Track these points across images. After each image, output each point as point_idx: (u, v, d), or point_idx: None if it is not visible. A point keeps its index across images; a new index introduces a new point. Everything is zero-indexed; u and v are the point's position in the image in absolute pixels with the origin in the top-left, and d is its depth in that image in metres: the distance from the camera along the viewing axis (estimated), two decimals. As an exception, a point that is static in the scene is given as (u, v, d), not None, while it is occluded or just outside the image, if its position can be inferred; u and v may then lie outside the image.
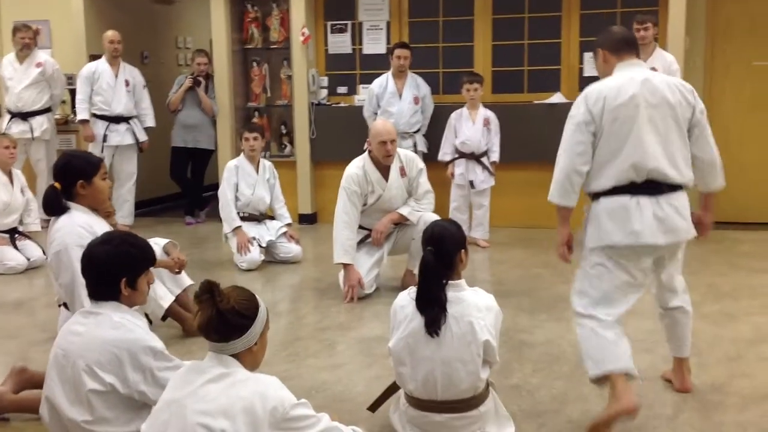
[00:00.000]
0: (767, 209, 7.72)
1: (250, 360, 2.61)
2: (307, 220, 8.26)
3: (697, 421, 3.50)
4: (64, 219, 3.89)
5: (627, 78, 3.50)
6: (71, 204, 3.92)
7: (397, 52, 7.53)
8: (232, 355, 2.56)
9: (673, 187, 3.47)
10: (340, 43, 8.42)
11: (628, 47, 3.63)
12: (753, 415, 3.55)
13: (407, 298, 3.34)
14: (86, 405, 2.76)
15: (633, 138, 3.42)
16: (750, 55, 7.70)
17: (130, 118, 8.18)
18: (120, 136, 8.12)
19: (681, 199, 3.49)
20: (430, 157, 7.23)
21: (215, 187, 8.80)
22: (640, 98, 3.43)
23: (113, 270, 2.85)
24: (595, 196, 3.54)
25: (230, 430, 2.41)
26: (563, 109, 7.32)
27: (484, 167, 7.11)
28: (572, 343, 4.49)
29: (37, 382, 3.76)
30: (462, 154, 7.14)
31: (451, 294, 3.24)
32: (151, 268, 3.06)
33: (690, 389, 3.82)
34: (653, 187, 3.44)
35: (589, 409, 3.64)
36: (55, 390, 2.82)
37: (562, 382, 3.99)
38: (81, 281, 3.65)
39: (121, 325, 2.80)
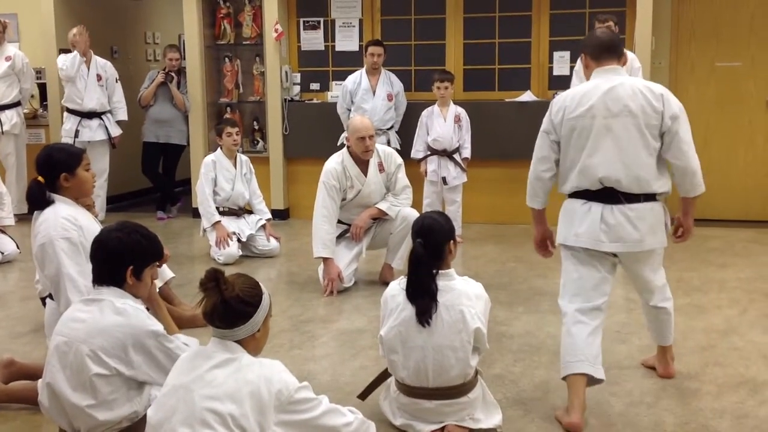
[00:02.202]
0: (732, 206, 7.93)
1: (254, 345, 2.67)
2: (279, 215, 8.27)
3: (675, 408, 3.63)
4: (48, 211, 3.86)
5: (592, 86, 3.55)
6: (55, 196, 3.89)
7: (371, 49, 7.61)
8: (236, 341, 2.62)
9: (634, 197, 3.51)
10: (313, 40, 8.47)
11: (609, 53, 3.62)
12: (728, 402, 3.69)
13: (398, 287, 3.41)
14: (89, 390, 2.79)
15: (588, 147, 3.49)
16: (713, 56, 7.90)
17: (102, 113, 8.14)
18: (92, 131, 8.08)
19: (642, 210, 3.52)
20: (402, 154, 7.24)
21: (187, 182, 8.82)
22: (598, 109, 3.48)
23: (122, 257, 2.89)
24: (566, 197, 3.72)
25: (237, 413, 2.47)
26: (533, 108, 7.67)
27: (456, 164, 7.19)
28: (550, 335, 4.64)
29: (25, 374, 3.79)
30: (434, 151, 7.21)
31: (441, 283, 3.33)
32: None
33: (672, 375, 3.96)
34: (608, 195, 3.51)
35: (571, 397, 3.75)
36: (57, 376, 2.84)
37: (542, 371, 4.10)
38: (66, 273, 3.68)
39: (123, 311, 2.84)
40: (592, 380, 3.54)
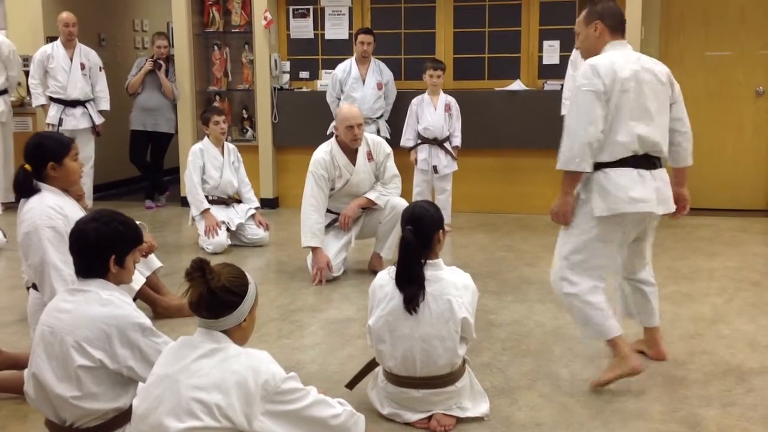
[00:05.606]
0: (721, 195, 7.96)
1: (240, 335, 2.65)
2: (269, 204, 8.25)
3: (663, 395, 3.64)
4: (34, 200, 3.84)
5: (625, 55, 3.66)
6: (42, 185, 3.86)
7: (361, 37, 7.57)
8: (222, 331, 2.60)
9: (658, 162, 3.71)
10: (303, 28, 8.43)
11: (622, 29, 3.79)
12: (715, 389, 3.70)
13: (386, 277, 3.41)
14: (75, 381, 2.76)
15: (640, 113, 3.58)
16: (703, 45, 7.91)
17: (86, 101, 8.10)
18: (76, 120, 8.03)
19: (664, 174, 3.73)
20: (392, 143, 7.25)
21: (175, 171, 8.79)
22: (642, 75, 3.61)
23: (102, 247, 2.85)
24: (598, 166, 3.62)
25: (224, 404, 2.45)
26: (523, 97, 7.64)
27: (447, 152, 7.18)
28: (539, 323, 4.64)
29: (12, 363, 3.77)
30: (424, 140, 7.19)
31: (429, 273, 3.32)
32: None
33: (665, 356, 4.02)
34: (650, 160, 3.65)
35: (559, 385, 3.76)
36: (42, 367, 2.81)
37: (530, 360, 4.10)
38: (50, 262, 3.65)
39: (109, 302, 2.81)
40: None
